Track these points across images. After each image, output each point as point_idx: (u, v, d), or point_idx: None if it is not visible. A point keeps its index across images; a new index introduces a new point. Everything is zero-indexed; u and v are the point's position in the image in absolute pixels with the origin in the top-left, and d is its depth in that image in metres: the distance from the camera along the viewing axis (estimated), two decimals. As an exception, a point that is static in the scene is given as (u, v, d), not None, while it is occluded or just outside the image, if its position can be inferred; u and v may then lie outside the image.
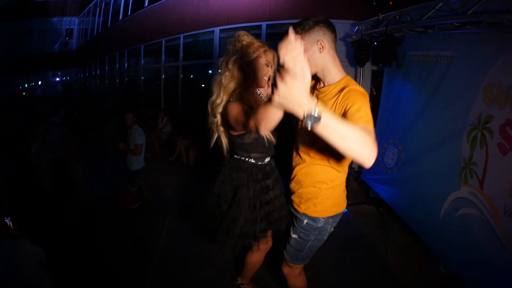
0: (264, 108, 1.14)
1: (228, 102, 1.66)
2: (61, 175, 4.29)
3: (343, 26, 4.73)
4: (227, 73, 1.69)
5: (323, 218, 1.69)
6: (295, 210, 1.78)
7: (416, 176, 3.29)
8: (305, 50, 1.45)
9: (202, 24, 7.40)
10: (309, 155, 1.65)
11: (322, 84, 1.61)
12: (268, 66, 1.71)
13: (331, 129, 0.94)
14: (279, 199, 1.87)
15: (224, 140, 1.80)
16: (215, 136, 1.78)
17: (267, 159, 1.86)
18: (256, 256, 2.19)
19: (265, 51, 1.70)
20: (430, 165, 3.07)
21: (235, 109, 1.58)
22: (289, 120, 1.29)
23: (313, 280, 2.62)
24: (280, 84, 0.85)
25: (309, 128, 0.93)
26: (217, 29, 7.00)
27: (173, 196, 4.51)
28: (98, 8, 14.94)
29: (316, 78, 1.64)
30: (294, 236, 1.78)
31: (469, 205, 2.47)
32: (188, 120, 6.21)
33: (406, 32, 3.34)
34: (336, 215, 1.73)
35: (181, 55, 8.26)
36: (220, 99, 1.68)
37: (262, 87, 1.77)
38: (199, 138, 5.83)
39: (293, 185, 1.80)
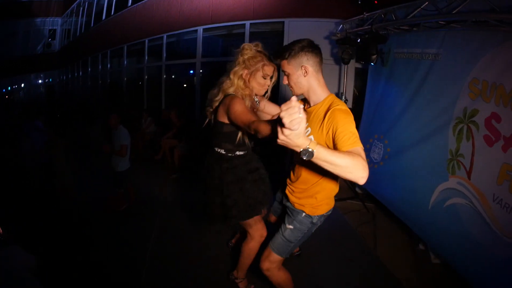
0: (269, 125, 1.48)
1: (229, 95, 1.98)
2: (48, 178, 4.22)
3: (328, 24, 4.95)
4: (228, 81, 2.02)
5: (317, 215, 1.93)
6: (292, 205, 2.00)
7: (403, 169, 3.49)
8: (291, 74, 1.72)
9: (186, 23, 7.50)
10: (306, 166, 1.85)
11: (308, 105, 1.82)
12: (265, 79, 2.04)
13: (323, 160, 1.22)
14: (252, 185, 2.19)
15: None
16: (207, 120, 2.18)
17: (237, 152, 2.14)
18: (251, 245, 2.33)
19: (263, 65, 2.00)
20: (417, 158, 3.27)
21: (238, 105, 1.87)
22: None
23: (304, 275, 2.78)
24: (280, 134, 1.13)
25: (305, 159, 1.20)
26: (200, 28, 7.11)
27: (160, 196, 4.56)
28: (81, 8, 14.83)
29: (303, 99, 1.87)
30: (289, 226, 1.97)
31: (458, 195, 2.68)
32: (172, 120, 6.20)
33: (391, 30, 3.54)
34: (328, 212, 1.97)
35: (164, 55, 8.35)
36: (218, 97, 2.06)
37: (259, 95, 2.13)
38: (183, 137, 5.91)
39: (290, 186, 2.04)
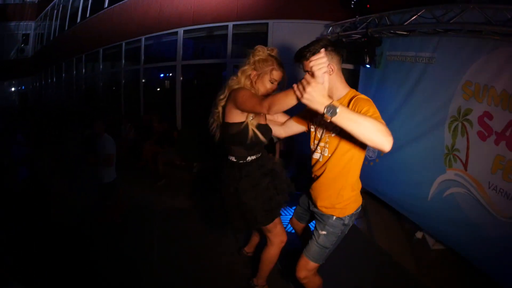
0: (284, 94, 1.55)
1: (235, 89, 2.04)
2: (36, 191, 4.12)
3: (315, 26, 5.26)
4: (235, 78, 2.09)
5: (348, 215, 2.05)
6: (320, 211, 2.11)
7: (400, 165, 3.88)
8: None
9: (166, 25, 7.45)
10: (331, 163, 1.99)
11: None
12: (272, 83, 2.09)
13: (347, 118, 1.35)
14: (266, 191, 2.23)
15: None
16: (215, 124, 2.25)
17: (249, 158, 2.20)
18: (272, 251, 2.41)
19: (272, 70, 2.06)
20: (414, 154, 3.66)
21: (245, 92, 1.96)
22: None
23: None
24: (307, 86, 1.29)
25: (328, 120, 1.34)
26: (181, 30, 7.09)
27: (151, 205, 4.53)
28: (55, 11, 14.23)
29: None
30: (322, 232, 2.06)
31: (456, 185, 3.10)
32: (153, 125, 6.22)
33: (385, 34, 3.91)
34: (357, 210, 2.11)
35: (142, 58, 8.25)
36: (223, 94, 2.12)
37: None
38: (166, 143, 5.94)
39: (315, 190, 2.13)
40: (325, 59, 1.26)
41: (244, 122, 2.05)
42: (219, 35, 6.65)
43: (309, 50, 1.82)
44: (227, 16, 6.32)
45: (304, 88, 1.33)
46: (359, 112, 1.64)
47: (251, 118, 2.07)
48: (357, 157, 1.94)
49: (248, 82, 2.07)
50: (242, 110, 1.98)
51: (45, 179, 4.07)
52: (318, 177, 2.09)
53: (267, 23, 5.87)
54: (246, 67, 2.07)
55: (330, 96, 1.53)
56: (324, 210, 2.07)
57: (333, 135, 1.94)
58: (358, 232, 3.86)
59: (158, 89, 8.99)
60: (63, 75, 13.61)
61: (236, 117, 2.05)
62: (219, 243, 3.48)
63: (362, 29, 4.13)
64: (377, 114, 1.65)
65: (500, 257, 2.61)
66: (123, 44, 8.86)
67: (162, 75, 9.02)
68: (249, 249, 3.17)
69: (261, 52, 2.07)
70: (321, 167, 2.06)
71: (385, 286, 2.98)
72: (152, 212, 4.25)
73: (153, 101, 8.52)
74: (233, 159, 2.20)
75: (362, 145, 1.87)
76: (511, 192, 2.54)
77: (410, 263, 3.33)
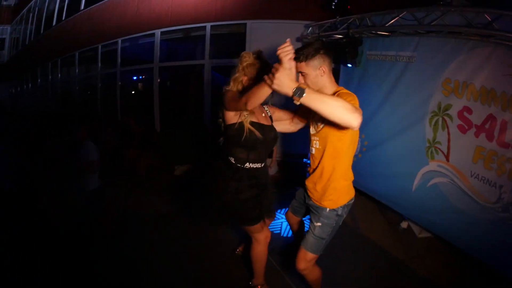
0: (257, 87, 1.72)
1: (223, 93, 2.15)
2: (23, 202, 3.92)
3: (294, 26, 5.38)
4: (228, 88, 2.18)
5: (341, 206, 2.17)
6: (314, 204, 2.23)
7: (383, 159, 4.08)
8: (308, 75, 2.00)
9: (143, 27, 7.36)
10: (322, 155, 2.11)
11: None
12: None
13: (314, 98, 1.51)
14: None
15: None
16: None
17: (248, 165, 2.25)
18: (259, 249, 2.47)
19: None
20: (396, 149, 3.88)
21: (229, 94, 2.11)
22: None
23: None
24: (276, 73, 1.49)
25: (297, 102, 1.51)
26: (158, 31, 7.03)
27: (140, 210, 4.47)
28: (31, 14, 13.60)
29: None
30: (318, 224, 2.18)
31: (439, 175, 3.33)
32: (132, 128, 6.09)
33: (366, 34, 4.11)
34: (350, 201, 2.24)
35: (119, 60, 8.09)
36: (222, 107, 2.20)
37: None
38: (146, 146, 5.85)
39: (310, 182, 2.25)
40: (290, 47, 1.49)
41: (239, 122, 2.13)
42: (197, 36, 6.64)
43: (303, 53, 1.93)
44: (205, 17, 6.32)
45: (273, 75, 1.52)
46: None
47: (245, 116, 2.13)
48: (347, 148, 2.06)
49: (241, 88, 2.16)
50: (231, 111, 2.10)
51: (32, 189, 3.85)
52: (313, 170, 2.21)
53: (245, 24, 5.91)
54: (236, 75, 2.16)
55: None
56: (318, 203, 2.18)
57: (321, 126, 2.07)
58: (344, 224, 3.99)
59: (133, 92, 8.90)
60: (39, 80, 13.22)
61: (231, 118, 2.14)
62: (217, 244, 3.51)
63: (343, 30, 4.30)
64: (355, 102, 1.81)
65: (487, 241, 2.85)
66: (99, 47, 8.70)
67: (137, 77, 8.94)
68: (243, 249, 3.22)
69: (247, 57, 2.15)
70: (314, 160, 2.20)
71: (376, 274, 3.13)
72: (140, 218, 4.18)
73: (130, 104, 8.43)
74: (232, 160, 2.25)
75: (351, 137, 2.02)
76: (493, 179, 2.78)
77: (398, 252, 3.53)
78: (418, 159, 3.56)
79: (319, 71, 1.94)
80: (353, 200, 2.26)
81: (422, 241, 3.53)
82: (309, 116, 2.27)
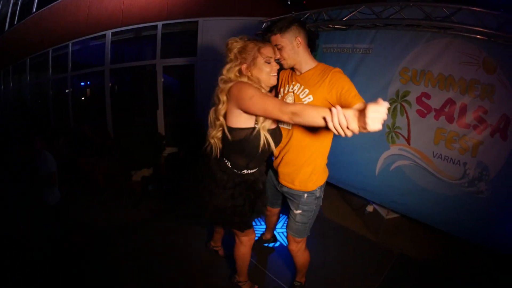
0: (316, 110, 1.40)
1: (237, 84, 1.77)
2: None
3: (249, 23, 5.27)
4: (224, 78, 1.84)
5: (318, 187, 2.15)
6: (289, 188, 2.15)
7: (344, 148, 4.17)
8: (284, 47, 1.91)
9: (94, 28, 6.79)
10: (294, 135, 2.02)
11: (299, 72, 2.04)
12: (269, 63, 1.83)
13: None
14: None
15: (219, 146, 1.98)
16: (213, 141, 1.95)
17: (245, 171, 2.01)
18: (242, 250, 2.38)
19: (260, 49, 1.81)
20: (356, 136, 3.91)
21: (252, 91, 1.68)
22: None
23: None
24: (345, 127, 1.29)
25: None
26: (109, 32, 6.52)
27: (101, 222, 4.07)
28: None
29: (291, 69, 2.08)
30: (298, 212, 2.15)
31: (401, 158, 3.51)
32: (86, 136, 5.60)
33: (323, 28, 4.17)
34: (325, 180, 2.22)
35: (70, 65, 7.42)
36: (220, 104, 1.84)
37: (272, 85, 1.90)
38: (102, 154, 5.49)
39: (282, 165, 2.14)
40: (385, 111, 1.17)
41: (254, 127, 1.80)
42: (149, 36, 6.27)
43: (277, 25, 1.86)
44: (156, 16, 6.00)
45: (345, 126, 1.27)
46: (342, 91, 1.80)
47: (262, 122, 1.80)
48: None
49: (244, 79, 1.81)
50: (251, 113, 1.75)
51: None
52: (283, 160, 2.10)
53: (197, 21, 5.69)
54: (229, 65, 1.83)
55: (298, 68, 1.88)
56: (294, 188, 2.09)
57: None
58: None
59: (83, 98, 8.24)
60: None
61: (242, 121, 1.79)
62: (188, 244, 3.34)
63: (299, 24, 4.31)
64: (356, 92, 1.83)
65: (455, 214, 3.08)
66: (50, 51, 7.92)
67: (85, 83, 8.31)
68: (214, 243, 3.09)
69: (235, 42, 1.84)
70: (284, 150, 2.07)
71: (349, 257, 3.21)
72: (103, 231, 3.78)
73: (82, 110, 7.85)
74: (228, 164, 1.98)
75: None
76: (456, 158, 3.01)
77: (368, 234, 3.65)
78: (379, 145, 3.72)
79: (295, 42, 1.87)
80: (326, 180, 2.21)
81: (390, 221, 3.70)
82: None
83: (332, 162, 4.29)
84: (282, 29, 1.83)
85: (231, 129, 1.81)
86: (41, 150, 3.36)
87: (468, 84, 2.87)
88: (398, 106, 3.51)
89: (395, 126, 3.57)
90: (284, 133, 2.02)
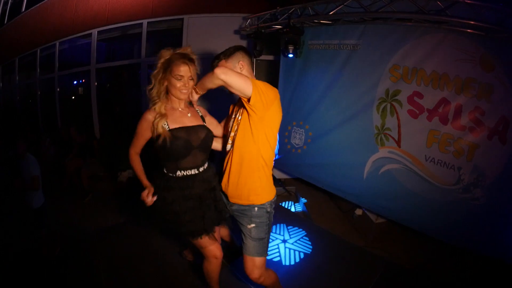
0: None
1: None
2: None
3: (234, 19, 5.07)
4: (150, 87, 1.90)
5: (268, 202, 2.00)
6: (239, 205, 2.02)
7: (331, 149, 3.93)
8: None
9: (80, 27, 6.59)
10: (239, 147, 1.94)
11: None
12: (179, 80, 1.86)
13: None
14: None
15: None
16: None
17: (179, 172, 1.96)
18: (207, 266, 2.19)
19: (173, 66, 1.84)
20: (343, 137, 3.75)
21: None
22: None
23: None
24: None
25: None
26: (95, 31, 6.33)
27: (86, 225, 3.86)
28: None
29: None
30: (251, 226, 1.98)
31: (391, 162, 3.26)
32: (72, 137, 5.32)
33: (308, 24, 3.89)
34: (274, 198, 2.06)
35: (57, 65, 7.19)
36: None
37: (178, 99, 1.96)
38: (87, 155, 5.24)
39: (229, 180, 2.01)
40: None
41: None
42: (134, 34, 6.06)
43: (223, 52, 1.99)
44: (141, 14, 5.80)
45: None
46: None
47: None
48: (262, 138, 1.89)
49: (162, 88, 1.89)
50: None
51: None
52: (229, 176, 2.00)
53: (182, 19, 5.46)
54: (155, 72, 1.87)
55: None
56: (243, 202, 1.99)
57: (236, 127, 1.97)
58: (301, 219, 3.78)
59: (73, 97, 8.12)
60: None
61: None
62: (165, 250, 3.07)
63: (284, 20, 4.03)
64: (259, 82, 1.78)
65: (448, 221, 2.83)
66: (38, 51, 7.69)
67: (77, 82, 8.15)
68: (188, 253, 2.85)
69: (165, 53, 1.87)
70: (229, 157, 2.00)
71: (336, 265, 2.94)
72: (89, 234, 3.51)
73: (70, 110, 7.66)
74: (164, 169, 1.99)
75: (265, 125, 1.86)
76: (450, 162, 2.76)
77: (355, 239, 3.40)
78: (368, 147, 3.47)
79: (238, 65, 1.96)
80: (275, 198, 2.08)
81: (380, 226, 3.46)
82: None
83: (317, 163, 4.11)
84: (227, 55, 1.96)
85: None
86: (24, 153, 3.16)
87: (464, 83, 2.63)
88: (388, 106, 3.26)
89: (384, 127, 3.32)
90: (227, 155, 2.01)
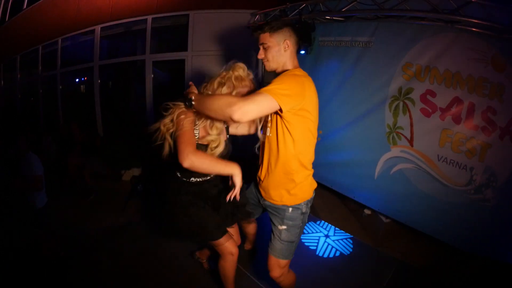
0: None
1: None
2: None
3: (240, 15, 5.07)
4: (207, 86, 1.89)
5: (304, 202, 1.92)
6: (273, 204, 1.96)
7: (341, 147, 3.97)
8: (271, 47, 1.79)
9: (83, 23, 6.58)
10: (276, 147, 1.84)
11: None
12: None
13: (200, 104, 1.65)
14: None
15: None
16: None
17: (193, 179, 1.99)
18: (223, 264, 2.21)
19: (247, 91, 1.86)
20: (354, 136, 3.78)
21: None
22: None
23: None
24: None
25: (193, 110, 1.69)
26: (98, 27, 6.31)
27: (89, 225, 3.84)
28: None
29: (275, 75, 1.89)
30: (283, 227, 1.92)
31: (403, 161, 3.29)
32: (74, 135, 5.40)
33: (319, 20, 3.90)
34: (313, 195, 1.99)
35: (59, 62, 7.21)
36: None
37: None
38: (90, 153, 5.30)
39: (264, 179, 1.95)
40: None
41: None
42: (139, 30, 6.03)
43: (269, 23, 1.78)
44: (146, 9, 5.77)
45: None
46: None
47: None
48: (300, 133, 1.77)
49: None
50: None
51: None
52: (267, 169, 1.92)
53: (187, 15, 5.45)
54: (218, 79, 1.85)
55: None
56: (278, 202, 1.92)
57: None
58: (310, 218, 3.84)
59: (76, 95, 8.10)
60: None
61: None
62: (175, 255, 3.08)
63: (294, 16, 4.05)
64: (276, 86, 1.57)
65: (458, 224, 2.86)
66: (40, 48, 7.67)
67: (79, 79, 8.16)
68: (200, 254, 2.88)
69: (241, 69, 1.88)
70: (265, 149, 1.92)
71: (348, 263, 3.00)
72: (91, 235, 3.54)
73: (72, 108, 7.61)
74: (178, 174, 2.01)
75: (303, 119, 1.73)
76: (462, 162, 2.79)
77: (366, 238, 3.44)
78: (379, 146, 3.50)
79: (283, 44, 1.76)
80: (314, 194, 2.00)
81: (389, 225, 3.49)
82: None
83: (327, 163, 4.15)
84: (273, 29, 1.74)
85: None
86: (26, 151, 3.12)
87: (476, 82, 2.64)
88: (401, 104, 3.28)
89: (396, 126, 3.34)
90: (268, 141, 1.87)
